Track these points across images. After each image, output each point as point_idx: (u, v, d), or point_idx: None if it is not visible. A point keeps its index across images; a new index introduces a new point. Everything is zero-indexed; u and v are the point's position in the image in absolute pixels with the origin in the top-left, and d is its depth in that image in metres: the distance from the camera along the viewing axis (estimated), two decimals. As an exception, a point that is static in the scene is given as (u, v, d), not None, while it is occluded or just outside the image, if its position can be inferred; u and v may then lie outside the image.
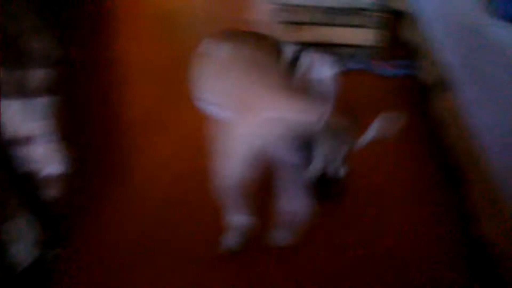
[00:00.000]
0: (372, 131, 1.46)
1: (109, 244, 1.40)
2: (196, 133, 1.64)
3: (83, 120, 1.90)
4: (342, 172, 1.42)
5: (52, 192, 1.41)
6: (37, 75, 1.78)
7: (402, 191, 1.62)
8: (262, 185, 1.43)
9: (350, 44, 2.49)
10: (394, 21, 2.68)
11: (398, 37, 2.66)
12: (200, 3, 3.33)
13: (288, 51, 1.42)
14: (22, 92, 1.59)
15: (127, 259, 1.37)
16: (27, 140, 1.42)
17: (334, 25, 2.44)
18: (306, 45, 1.43)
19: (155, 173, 1.66)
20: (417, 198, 1.60)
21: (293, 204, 1.40)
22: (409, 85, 2.21)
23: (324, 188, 1.41)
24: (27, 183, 1.31)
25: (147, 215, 1.50)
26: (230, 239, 1.41)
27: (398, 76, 2.39)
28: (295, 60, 1.41)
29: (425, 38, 1.99)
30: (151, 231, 1.45)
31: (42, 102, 1.66)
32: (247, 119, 1.25)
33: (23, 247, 1.27)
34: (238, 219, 1.37)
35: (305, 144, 1.38)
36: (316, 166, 1.37)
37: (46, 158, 1.45)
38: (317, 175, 1.38)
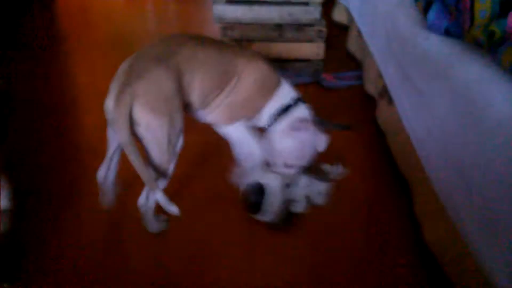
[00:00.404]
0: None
1: (59, 275, 1.35)
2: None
3: (29, 147, 1.88)
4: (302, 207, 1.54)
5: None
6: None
7: (352, 200, 1.66)
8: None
9: (298, 58, 2.56)
10: (341, 34, 2.78)
11: (345, 49, 2.75)
12: (154, 28, 3.37)
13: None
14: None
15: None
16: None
17: (282, 40, 2.51)
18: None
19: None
20: (368, 204, 1.65)
21: None
22: (356, 96, 2.28)
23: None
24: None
25: (98, 241, 1.46)
26: None
27: (346, 87, 2.48)
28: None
29: (368, 50, 2.06)
30: (103, 258, 1.40)
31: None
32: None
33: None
34: None
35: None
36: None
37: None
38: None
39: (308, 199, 1.56)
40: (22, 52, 2.78)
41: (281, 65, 2.56)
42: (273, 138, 1.52)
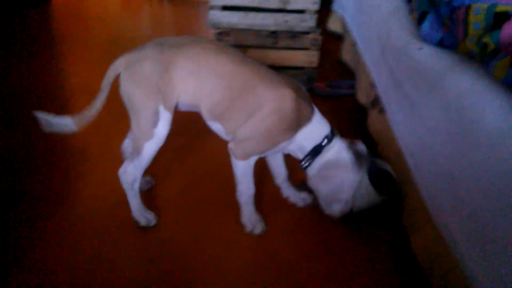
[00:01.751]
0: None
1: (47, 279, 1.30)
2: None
3: (17, 148, 1.86)
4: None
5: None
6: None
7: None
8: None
9: (293, 66, 2.57)
10: (335, 43, 2.79)
11: (339, 58, 2.76)
12: (149, 32, 3.37)
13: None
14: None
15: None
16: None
17: (277, 48, 2.51)
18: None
19: (95, 203, 1.60)
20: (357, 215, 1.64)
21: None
22: (348, 105, 2.29)
23: None
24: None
25: (82, 253, 1.39)
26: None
27: (338, 96, 2.49)
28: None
29: (361, 60, 2.07)
30: (87, 271, 1.33)
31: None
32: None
33: None
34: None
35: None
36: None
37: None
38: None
39: None
40: (15, 52, 2.76)
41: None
42: (314, 184, 1.47)
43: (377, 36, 1.81)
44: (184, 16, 3.65)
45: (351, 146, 1.44)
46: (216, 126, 1.44)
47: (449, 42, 1.39)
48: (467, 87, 1.15)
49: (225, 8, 2.41)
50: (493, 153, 0.95)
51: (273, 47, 2.50)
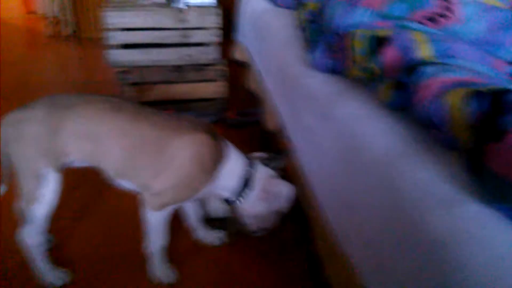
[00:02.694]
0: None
1: None
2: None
3: None
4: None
5: None
6: None
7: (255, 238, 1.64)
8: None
9: (202, 98, 2.55)
10: (243, 71, 2.81)
11: (246, 87, 2.78)
12: (58, 74, 3.22)
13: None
14: None
15: None
16: None
17: (183, 81, 2.48)
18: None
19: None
20: (272, 245, 1.64)
21: None
22: (258, 133, 2.30)
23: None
24: None
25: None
26: None
27: (249, 124, 2.49)
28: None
29: (265, 88, 2.09)
30: None
31: None
32: None
33: None
34: None
35: None
36: None
37: None
38: None
39: None
40: None
41: (184, 106, 2.54)
42: (245, 211, 1.41)
43: (276, 65, 1.84)
44: (91, 56, 3.54)
45: (264, 162, 1.43)
46: (124, 183, 1.36)
47: (339, 69, 1.42)
48: (356, 113, 1.17)
49: (125, 46, 2.35)
50: (381, 181, 0.97)
51: (179, 81, 2.47)
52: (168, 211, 1.35)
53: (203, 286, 1.45)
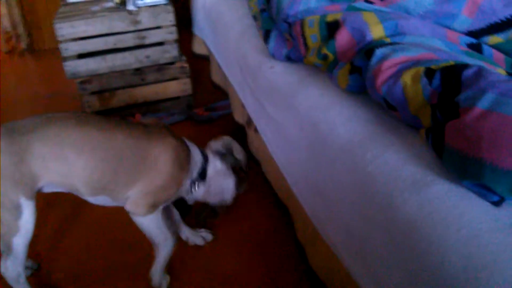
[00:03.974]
0: None
1: None
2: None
3: None
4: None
5: None
6: None
7: (239, 231, 1.66)
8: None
9: (167, 98, 2.52)
10: (206, 65, 2.78)
11: (211, 81, 2.76)
12: (17, 90, 3.12)
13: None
14: None
15: None
16: None
17: (146, 83, 2.45)
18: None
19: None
20: (254, 235, 1.65)
21: None
22: (228, 127, 2.28)
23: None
24: None
25: None
26: None
27: (218, 118, 2.48)
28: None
29: (228, 80, 2.07)
30: None
31: None
32: None
33: None
34: None
35: None
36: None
37: None
38: None
39: None
40: None
41: (151, 108, 2.50)
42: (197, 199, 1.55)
43: (235, 57, 1.82)
44: (49, 67, 3.44)
45: (215, 153, 1.56)
46: (101, 199, 1.35)
47: (295, 57, 1.41)
48: (317, 101, 1.17)
49: (81, 56, 2.30)
50: (349, 166, 0.98)
51: (142, 84, 2.44)
52: (159, 211, 1.39)
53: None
